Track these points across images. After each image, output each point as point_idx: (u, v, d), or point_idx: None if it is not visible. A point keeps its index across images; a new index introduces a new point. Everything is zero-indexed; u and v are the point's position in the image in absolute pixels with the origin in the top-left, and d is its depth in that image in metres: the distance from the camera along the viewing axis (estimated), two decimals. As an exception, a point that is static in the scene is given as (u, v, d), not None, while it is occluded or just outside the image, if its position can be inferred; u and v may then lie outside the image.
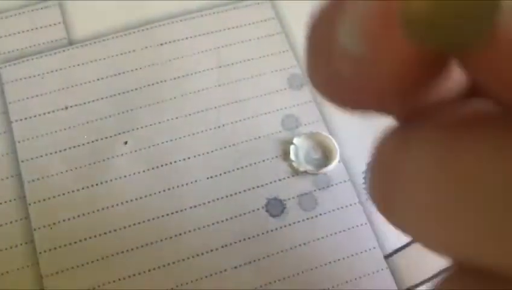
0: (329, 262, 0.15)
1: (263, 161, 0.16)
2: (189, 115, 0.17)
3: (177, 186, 0.16)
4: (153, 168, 0.16)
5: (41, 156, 0.16)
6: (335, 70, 0.08)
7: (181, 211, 0.16)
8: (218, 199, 0.16)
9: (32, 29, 0.18)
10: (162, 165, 0.16)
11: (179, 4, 0.19)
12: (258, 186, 0.16)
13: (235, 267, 0.15)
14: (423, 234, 0.08)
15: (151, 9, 0.18)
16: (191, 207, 0.16)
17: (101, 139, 0.16)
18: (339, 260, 0.15)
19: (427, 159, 0.08)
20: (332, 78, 0.08)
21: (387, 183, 0.09)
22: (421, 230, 0.08)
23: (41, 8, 0.18)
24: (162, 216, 0.15)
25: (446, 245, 0.08)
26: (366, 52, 0.07)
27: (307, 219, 0.15)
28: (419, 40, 0.06)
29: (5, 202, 0.15)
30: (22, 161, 0.16)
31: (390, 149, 0.09)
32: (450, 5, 0.06)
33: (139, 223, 0.15)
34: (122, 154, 0.16)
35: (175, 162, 0.16)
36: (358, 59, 0.07)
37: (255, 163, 0.16)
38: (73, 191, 0.15)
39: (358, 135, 0.17)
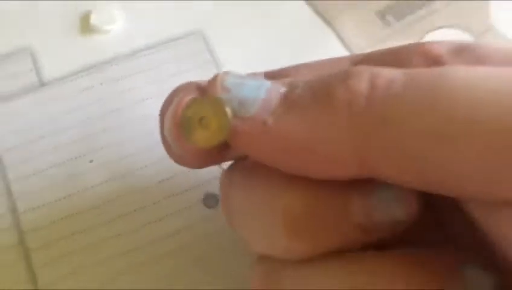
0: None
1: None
2: (143, 135, 0.21)
3: (136, 191, 0.20)
4: (115, 178, 0.20)
5: (29, 175, 0.20)
6: (168, 147, 0.15)
7: (140, 208, 0.20)
8: (168, 196, 0.20)
9: (7, 76, 0.22)
10: (123, 175, 0.21)
11: (129, 46, 0.23)
12: (197, 185, 0.20)
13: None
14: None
15: (105, 51, 0.23)
16: (145, 206, 0.20)
17: (72, 159, 0.21)
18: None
19: (238, 185, 0.14)
20: (170, 150, 0.15)
21: (226, 202, 0.15)
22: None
23: (14, 56, 0.23)
24: (126, 214, 0.20)
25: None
26: (174, 143, 0.14)
27: (236, 207, 0.20)
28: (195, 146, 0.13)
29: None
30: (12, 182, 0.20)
31: (224, 177, 0.15)
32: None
33: (109, 221, 0.20)
34: (89, 170, 0.21)
35: (134, 171, 0.21)
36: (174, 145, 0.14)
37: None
38: (54, 201, 0.20)
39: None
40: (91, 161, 0.21)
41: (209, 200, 0.20)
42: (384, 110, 0.11)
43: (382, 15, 0.24)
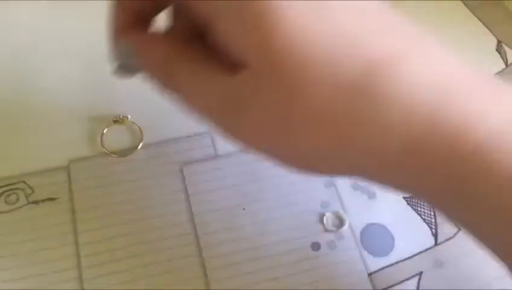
0: (340, 274, 0.32)
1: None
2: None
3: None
4: (258, 223, 0.33)
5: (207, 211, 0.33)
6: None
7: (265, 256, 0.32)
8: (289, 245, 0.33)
9: (195, 148, 0.36)
10: (265, 221, 0.33)
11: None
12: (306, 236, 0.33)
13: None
14: None
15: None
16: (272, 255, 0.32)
17: (230, 206, 0.33)
18: (344, 273, 0.32)
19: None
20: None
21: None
22: None
23: (200, 136, 0.36)
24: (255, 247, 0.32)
25: None
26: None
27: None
28: None
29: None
30: (197, 214, 0.33)
31: None
32: None
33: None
34: (243, 214, 0.33)
35: (267, 220, 0.33)
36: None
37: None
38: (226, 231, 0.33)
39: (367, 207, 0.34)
40: (243, 209, 0.34)
41: (314, 246, 0.33)
42: None
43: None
